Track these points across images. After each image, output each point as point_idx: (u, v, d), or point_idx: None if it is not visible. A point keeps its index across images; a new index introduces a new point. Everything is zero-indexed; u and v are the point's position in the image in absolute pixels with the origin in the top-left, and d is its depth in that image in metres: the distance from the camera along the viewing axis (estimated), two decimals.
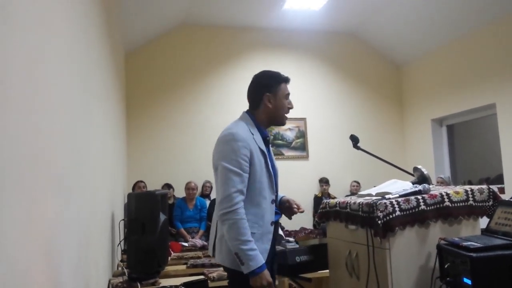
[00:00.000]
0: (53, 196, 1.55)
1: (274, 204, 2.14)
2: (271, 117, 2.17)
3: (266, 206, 2.07)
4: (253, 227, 1.99)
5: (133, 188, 5.93)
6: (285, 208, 2.28)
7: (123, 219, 3.87)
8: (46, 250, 1.44)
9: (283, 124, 2.23)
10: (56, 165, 1.61)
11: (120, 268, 3.61)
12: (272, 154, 2.28)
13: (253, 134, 2.08)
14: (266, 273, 1.95)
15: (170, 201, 6.30)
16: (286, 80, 2.20)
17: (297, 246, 3.13)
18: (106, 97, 3.60)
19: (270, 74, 2.22)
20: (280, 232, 5.71)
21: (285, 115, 2.20)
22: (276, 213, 2.16)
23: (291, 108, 2.20)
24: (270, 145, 2.25)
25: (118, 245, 3.67)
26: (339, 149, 7.27)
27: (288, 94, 2.19)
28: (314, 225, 6.79)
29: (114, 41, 4.48)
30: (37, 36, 1.37)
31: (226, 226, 1.95)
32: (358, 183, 7.17)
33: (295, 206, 2.27)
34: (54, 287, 1.51)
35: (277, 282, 2.19)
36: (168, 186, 6.46)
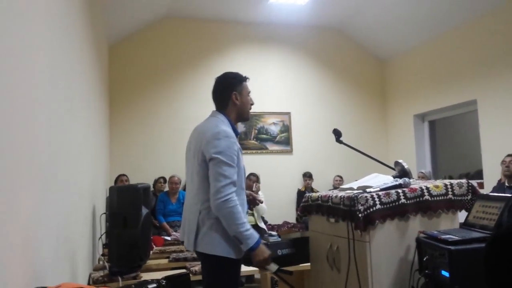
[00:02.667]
0: (31, 189, 1.52)
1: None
2: (239, 114, 2.35)
3: (244, 197, 2.26)
4: None
5: (115, 182, 5.87)
6: (250, 202, 2.48)
7: (104, 213, 3.83)
8: (24, 243, 1.42)
9: (248, 119, 2.45)
10: (35, 158, 1.59)
11: (101, 262, 3.58)
12: None
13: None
14: (263, 246, 2.15)
15: None
16: (246, 79, 2.38)
17: (279, 239, 3.14)
18: (88, 90, 3.55)
19: (233, 74, 2.38)
20: (263, 226, 5.74)
21: (249, 111, 2.40)
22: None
23: (253, 104, 2.40)
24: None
25: (99, 239, 3.64)
26: (323, 144, 7.30)
27: (250, 92, 2.39)
28: (296, 219, 6.82)
29: (97, 33, 4.41)
30: (15, 27, 1.34)
31: (223, 214, 2.08)
32: (341, 177, 7.22)
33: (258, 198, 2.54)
34: (33, 281, 1.49)
35: (258, 275, 2.24)
36: (164, 179, 6.43)
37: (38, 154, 1.64)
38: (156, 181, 6.38)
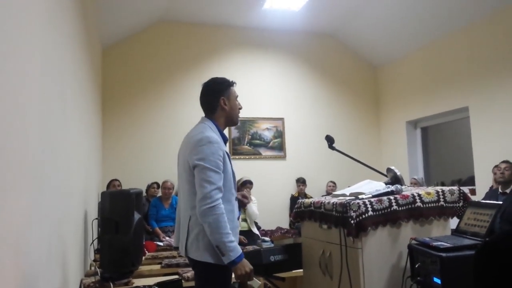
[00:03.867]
0: (22, 194, 1.51)
1: (237, 202, 2.32)
2: (228, 118, 2.36)
3: (234, 202, 2.25)
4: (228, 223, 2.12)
5: (108, 187, 5.85)
6: (240, 203, 2.44)
7: (96, 218, 3.81)
8: (15, 248, 1.41)
9: (237, 123, 2.44)
10: (26, 161, 1.58)
11: (92, 268, 3.56)
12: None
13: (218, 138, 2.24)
14: (245, 261, 2.10)
15: None
16: (233, 83, 2.40)
17: (272, 245, 3.14)
18: (81, 93, 3.54)
19: (220, 80, 2.40)
20: (256, 231, 5.74)
21: (238, 115, 2.41)
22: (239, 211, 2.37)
23: (241, 108, 2.41)
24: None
25: (91, 244, 3.61)
26: (316, 150, 7.31)
27: (237, 96, 2.40)
28: (289, 225, 6.82)
29: (91, 37, 4.41)
30: (8, 28, 1.34)
31: (208, 221, 2.06)
32: (334, 183, 7.23)
33: (245, 199, 2.46)
34: (24, 285, 1.48)
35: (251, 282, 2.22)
36: (157, 185, 6.40)
37: (29, 158, 1.63)
38: (149, 186, 6.36)
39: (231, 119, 2.36)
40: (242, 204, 2.45)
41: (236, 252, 2.06)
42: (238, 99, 2.40)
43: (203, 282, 2.20)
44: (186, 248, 2.18)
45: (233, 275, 2.15)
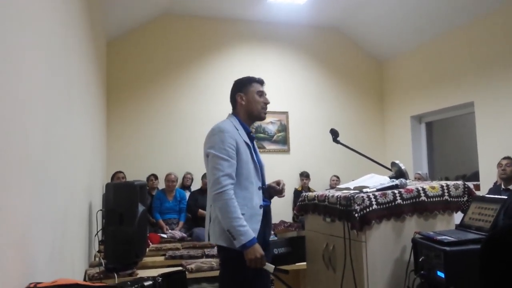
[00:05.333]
0: (26, 185, 1.52)
1: (261, 192, 2.34)
2: (248, 113, 2.42)
3: (253, 190, 2.28)
4: (242, 209, 2.18)
5: (112, 179, 5.87)
6: (272, 191, 2.49)
7: (100, 210, 3.82)
8: (19, 239, 1.42)
9: (261, 118, 2.47)
10: (30, 153, 1.58)
11: (97, 259, 3.58)
12: (258, 150, 2.50)
13: (237, 130, 2.33)
14: (257, 246, 2.14)
15: (154, 192, 6.27)
16: (258, 81, 2.46)
17: (275, 238, 3.15)
18: (86, 85, 3.54)
19: (243, 77, 2.50)
20: None
21: (261, 109, 2.43)
22: (265, 200, 2.37)
23: (267, 103, 2.44)
24: (254, 141, 2.47)
25: (95, 236, 3.63)
26: (320, 143, 7.31)
27: (261, 91, 2.44)
28: (293, 218, 6.83)
29: (95, 29, 4.40)
30: (13, 21, 1.34)
31: (218, 206, 2.15)
32: (338, 177, 7.23)
33: (275, 185, 2.49)
34: (28, 277, 1.49)
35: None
36: (154, 176, 6.42)
37: (33, 150, 1.63)
38: (147, 179, 6.34)
39: (251, 113, 2.42)
40: (275, 192, 2.47)
41: (247, 237, 2.11)
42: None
43: (222, 266, 2.33)
44: (209, 234, 2.28)
45: None
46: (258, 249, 2.14)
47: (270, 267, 2.22)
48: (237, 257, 2.15)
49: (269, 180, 2.52)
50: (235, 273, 2.23)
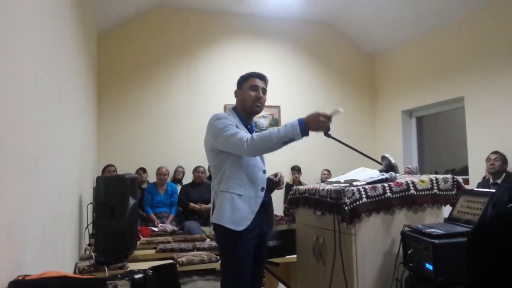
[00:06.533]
0: (15, 177, 1.51)
1: (265, 175, 2.40)
2: (244, 108, 2.45)
3: (256, 172, 2.34)
4: (240, 189, 2.26)
5: (103, 172, 5.84)
6: (270, 183, 2.48)
7: (91, 203, 3.81)
8: (8, 231, 1.41)
9: (255, 112, 2.48)
10: (20, 147, 1.57)
11: (87, 252, 3.57)
12: None
13: (236, 123, 2.35)
14: (307, 118, 2.14)
15: (144, 186, 6.24)
16: (257, 75, 2.48)
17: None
18: (76, 78, 3.51)
19: (246, 73, 2.52)
20: None
21: (252, 103, 2.43)
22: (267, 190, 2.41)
23: (258, 97, 2.43)
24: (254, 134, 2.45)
25: (85, 229, 3.62)
26: (311, 138, 7.19)
27: (255, 85, 2.44)
28: (284, 212, 6.85)
29: (86, 22, 4.36)
30: (0, 12, 1.32)
31: (259, 149, 2.19)
32: (329, 171, 7.26)
33: (273, 177, 2.49)
34: (17, 269, 1.48)
35: None
36: (143, 170, 6.39)
37: (22, 143, 1.62)
38: (136, 172, 6.25)
39: (245, 108, 2.45)
40: (273, 184, 2.47)
41: (294, 128, 2.11)
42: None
43: (219, 245, 2.38)
44: (212, 216, 2.34)
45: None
46: (314, 117, 2.14)
47: (337, 111, 2.21)
48: (225, 235, 2.24)
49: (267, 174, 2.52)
50: (231, 252, 2.27)
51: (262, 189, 2.34)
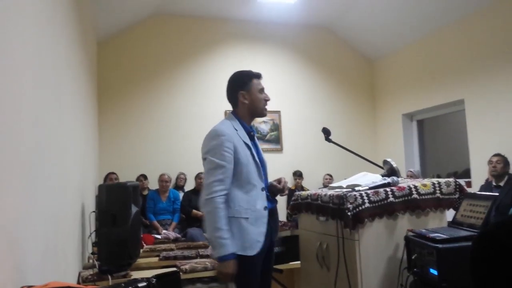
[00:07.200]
0: (17, 186, 1.51)
1: (265, 192, 2.28)
2: (251, 111, 2.35)
3: (257, 193, 2.22)
4: (246, 213, 2.16)
5: (105, 180, 5.84)
6: (274, 189, 2.39)
7: (93, 211, 3.80)
8: (10, 241, 1.40)
9: (263, 115, 2.42)
10: (21, 155, 1.57)
11: (90, 261, 3.56)
12: (260, 148, 2.43)
13: (237, 130, 2.26)
14: (232, 263, 2.07)
15: (145, 192, 6.24)
16: (257, 76, 2.37)
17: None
18: (76, 86, 3.52)
19: (241, 73, 2.39)
20: None
21: (264, 107, 2.38)
22: (270, 201, 2.31)
23: (268, 100, 2.38)
24: (256, 139, 2.42)
25: (88, 237, 3.61)
26: (313, 142, 7.32)
27: (262, 88, 2.37)
28: (287, 217, 6.84)
29: (85, 29, 4.37)
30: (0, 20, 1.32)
31: (206, 211, 2.13)
32: (331, 176, 7.25)
33: (276, 183, 2.39)
34: (19, 280, 1.48)
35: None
36: (143, 177, 6.38)
37: (24, 151, 1.62)
38: (137, 179, 6.26)
39: (254, 111, 2.36)
40: (277, 191, 2.37)
41: (224, 251, 2.06)
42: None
43: None
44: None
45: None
46: (232, 266, 2.07)
47: (231, 286, 2.16)
48: (239, 255, 2.12)
49: (269, 179, 2.45)
50: (239, 270, 2.14)
51: (265, 208, 2.24)
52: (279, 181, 2.41)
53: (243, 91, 2.32)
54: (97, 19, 5.64)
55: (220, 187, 2.12)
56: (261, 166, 2.30)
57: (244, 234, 2.13)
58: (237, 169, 2.19)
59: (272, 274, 2.84)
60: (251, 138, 2.33)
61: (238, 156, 2.19)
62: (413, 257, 2.00)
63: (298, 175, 7.18)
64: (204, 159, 2.21)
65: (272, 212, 2.30)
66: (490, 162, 4.91)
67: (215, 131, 2.22)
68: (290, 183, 7.28)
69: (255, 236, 2.15)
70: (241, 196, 2.17)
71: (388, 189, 2.22)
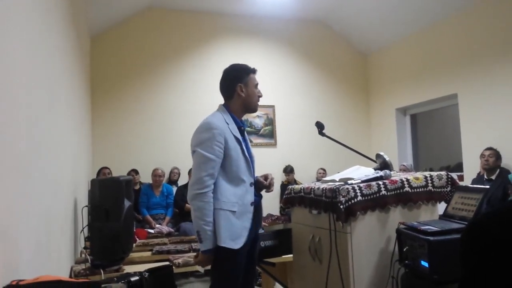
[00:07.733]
0: (9, 180, 1.50)
1: (253, 187, 2.30)
2: (245, 105, 2.35)
3: (245, 187, 2.24)
4: (233, 206, 2.18)
5: (98, 175, 5.82)
6: (260, 185, 2.40)
7: (86, 206, 3.79)
8: (1, 236, 1.40)
9: (255, 110, 2.42)
10: (13, 149, 1.56)
11: (83, 255, 3.55)
12: (249, 142, 2.42)
13: (228, 124, 2.25)
14: (210, 258, 2.17)
15: (136, 187, 6.21)
16: (254, 71, 2.38)
17: (263, 231, 3.16)
18: (69, 81, 3.49)
19: (239, 66, 2.39)
20: None
21: (257, 103, 2.39)
22: (256, 196, 2.33)
23: (261, 96, 2.40)
24: (245, 134, 2.40)
25: (81, 232, 3.60)
26: (306, 137, 7.33)
27: (257, 84, 2.39)
28: (280, 211, 6.85)
29: (78, 24, 4.34)
30: None
31: (196, 205, 2.14)
32: (324, 170, 7.26)
33: (262, 180, 2.40)
34: (11, 274, 1.47)
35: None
36: (135, 171, 6.36)
37: (16, 146, 1.61)
38: (128, 174, 6.21)
39: (248, 106, 2.36)
40: (263, 187, 2.39)
41: (211, 244, 2.13)
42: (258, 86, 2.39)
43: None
44: None
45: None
46: (209, 261, 2.18)
47: (200, 270, 2.50)
48: (225, 248, 2.14)
49: (256, 174, 2.44)
50: (224, 262, 2.19)
51: (252, 203, 2.26)
52: (265, 177, 2.41)
53: (241, 84, 2.32)
54: (90, 14, 5.59)
55: (211, 182, 2.15)
56: (251, 162, 2.31)
57: (230, 227, 2.16)
58: (227, 163, 2.19)
59: (265, 267, 2.85)
60: (241, 133, 2.32)
61: (228, 150, 2.19)
62: (404, 250, 2.02)
63: (288, 171, 7.14)
64: (193, 151, 2.21)
65: (256, 207, 2.32)
66: (482, 155, 4.94)
67: (208, 124, 2.21)
68: (284, 177, 7.27)
69: (239, 230, 2.18)
70: (230, 189, 2.19)
71: (380, 182, 2.22)
